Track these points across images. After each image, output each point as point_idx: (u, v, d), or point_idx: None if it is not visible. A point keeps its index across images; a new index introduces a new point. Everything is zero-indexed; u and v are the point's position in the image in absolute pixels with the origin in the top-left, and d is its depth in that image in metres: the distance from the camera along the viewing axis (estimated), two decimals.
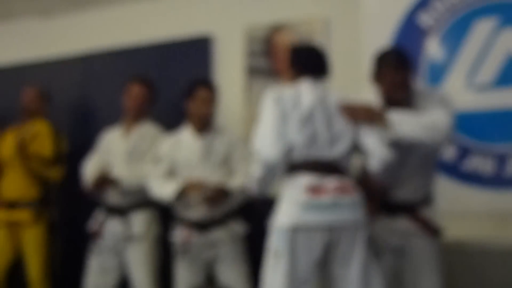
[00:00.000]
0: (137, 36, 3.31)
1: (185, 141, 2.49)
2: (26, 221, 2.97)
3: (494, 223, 2.30)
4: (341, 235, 1.79)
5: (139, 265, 2.70)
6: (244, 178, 2.35)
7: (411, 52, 2.40)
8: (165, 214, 2.72)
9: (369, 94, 2.03)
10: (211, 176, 2.41)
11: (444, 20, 2.55)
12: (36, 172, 2.99)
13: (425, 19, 2.58)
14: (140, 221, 2.70)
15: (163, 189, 2.44)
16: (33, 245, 3.00)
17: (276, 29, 2.89)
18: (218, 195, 2.34)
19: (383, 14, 2.68)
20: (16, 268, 3.14)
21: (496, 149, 2.36)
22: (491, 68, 2.42)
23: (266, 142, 1.85)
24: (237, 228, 2.48)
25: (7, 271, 3.06)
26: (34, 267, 3.02)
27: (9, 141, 3.01)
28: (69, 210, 3.31)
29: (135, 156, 2.77)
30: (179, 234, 2.40)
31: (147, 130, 2.82)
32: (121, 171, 2.68)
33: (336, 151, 1.84)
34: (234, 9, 3.06)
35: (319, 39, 2.75)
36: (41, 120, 3.11)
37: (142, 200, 2.70)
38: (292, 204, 1.80)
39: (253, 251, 2.45)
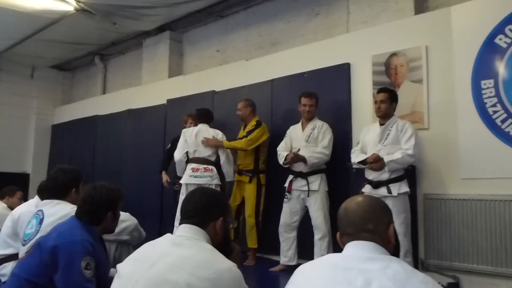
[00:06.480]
0: (304, 66, 4.27)
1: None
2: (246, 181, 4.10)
3: None
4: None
5: (316, 209, 3.44)
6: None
7: (492, 65, 3.18)
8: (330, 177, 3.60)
9: None
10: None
11: None
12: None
13: (501, 40, 3.22)
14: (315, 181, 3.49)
15: (359, 158, 3.24)
16: (250, 194, 4.10)
17: (392, 55, 3.73)
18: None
19: (469, 40, 3.34)
20: (241, 205, 4.21)
21: None
22: None
23: (177, 151, 4.15)
24: None
25: (237, 207, 4.17)
26: (249, 207, 4.08)
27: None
28: (272, 175, 4.14)
29: (311, 141, 3.59)
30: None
31: (318, 124, 3.60)
32: (303, 151, 3.53)
33: (206, 154, 4.03)
34: (364, 45, 3.93)
35: (422, 61, 3.53)
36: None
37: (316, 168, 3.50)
38: (186, 175, 4.03)
39: None
